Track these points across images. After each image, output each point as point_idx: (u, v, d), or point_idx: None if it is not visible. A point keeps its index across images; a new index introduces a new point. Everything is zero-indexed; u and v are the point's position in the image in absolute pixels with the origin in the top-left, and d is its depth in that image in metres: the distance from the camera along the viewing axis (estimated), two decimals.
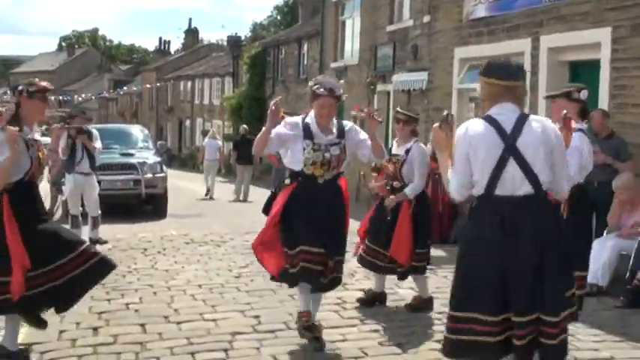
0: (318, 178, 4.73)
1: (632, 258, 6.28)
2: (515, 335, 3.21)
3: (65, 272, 4.27)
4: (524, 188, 3.26)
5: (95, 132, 9.36)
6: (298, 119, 4.86)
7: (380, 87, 15.11)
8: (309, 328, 4.71)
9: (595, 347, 4.92)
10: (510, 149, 3.27)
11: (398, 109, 6.14)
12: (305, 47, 22.37)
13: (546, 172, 3.30)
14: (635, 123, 7.50)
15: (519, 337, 3.20)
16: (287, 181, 4.86)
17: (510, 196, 3.26)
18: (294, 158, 4.77)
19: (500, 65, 3.42)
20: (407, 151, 5.75)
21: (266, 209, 4.92)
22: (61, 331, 5.05)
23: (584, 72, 8.70)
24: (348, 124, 4.98)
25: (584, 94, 4.92)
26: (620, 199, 6.74)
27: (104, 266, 4.51)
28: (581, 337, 5.07)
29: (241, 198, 16.47)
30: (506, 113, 3.34)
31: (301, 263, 4.53)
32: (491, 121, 3.32)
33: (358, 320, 5.50)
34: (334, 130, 4.82)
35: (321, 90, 4.69)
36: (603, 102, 7.90)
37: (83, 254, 4.36)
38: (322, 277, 4.65)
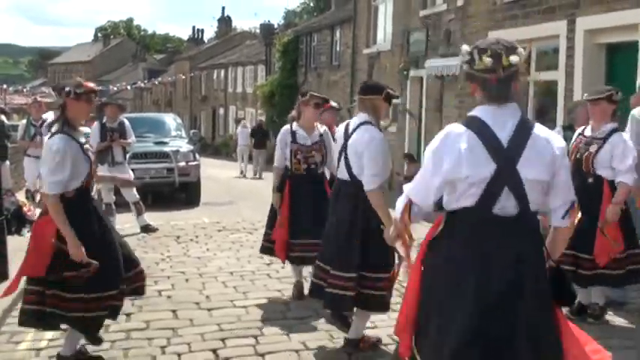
0: None
1: None
2: None
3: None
4: None
5: (127, 124, 9.47)
6: None
7: (412, 73, 14.96)
8: None
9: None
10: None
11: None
12: (337, 34, 22.22)
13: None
14: None
15: None
16: None
17: None
18: None
19: None
20: None
21: None
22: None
23: (621, 55, 8.47)
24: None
25: (620, 95, 5.13)
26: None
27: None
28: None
29: (257, 176, 20.13)
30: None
31: None
32: None
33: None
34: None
35: None
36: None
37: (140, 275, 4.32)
38: None
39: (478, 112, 2.71)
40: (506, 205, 2.63)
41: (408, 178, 5.94)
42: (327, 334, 4.83)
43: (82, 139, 4.09)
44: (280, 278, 6.48)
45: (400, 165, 13.94)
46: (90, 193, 4.15)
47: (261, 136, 21.36)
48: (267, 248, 5.92)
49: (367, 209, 4.24)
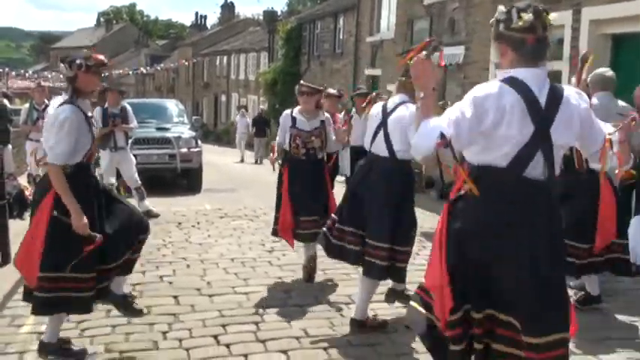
0: None
1: None
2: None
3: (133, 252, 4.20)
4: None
5: (129, 109, 9.47)
6: None
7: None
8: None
9: (630, 326, 4.84)
10: None
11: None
12: (341, 21, 22.15)
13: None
14: None
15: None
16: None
17: None
18: None
19: None
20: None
21: None
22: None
23: (627, 45, 8.44)
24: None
25: None
26: None
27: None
28: (618, 316, 5.00)
29: (258, 162, 21.62)
30: None
31: None
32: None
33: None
34: None
35: None
36: None
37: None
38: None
39: (517, 73, 2.67)
40: (536, 168, 2.66)
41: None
42: (328, 322, 4.84)
43: (90, 112, 4.08)
44: (281, 266, 6.49)
45: None
46: (91, 169, 4.11)
47: (262, 125, 22.58)
48: (276, 231, 6.05)
49: (402, 184, 4.57)
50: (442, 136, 2.59)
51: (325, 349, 4.31)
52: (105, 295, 4.17)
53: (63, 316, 4.15)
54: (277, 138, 5.96)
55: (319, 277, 6.00)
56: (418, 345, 4.29)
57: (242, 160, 22.24)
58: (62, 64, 3.95)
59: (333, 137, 5.88)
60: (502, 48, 2.71)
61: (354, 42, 19.76)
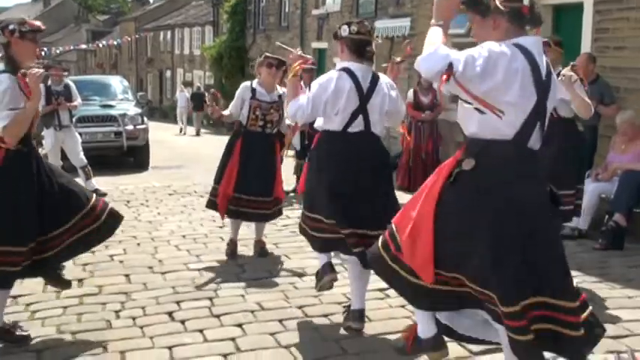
0: None
1: (610, 201, 6.36)
2: None
3: (74, 232, 3.99)
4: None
5: (72, 85, 9.28)
6: None
7: None
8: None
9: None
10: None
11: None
12: None
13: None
14: (615, 67, 7.48)
15: None
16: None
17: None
18: None
19: None
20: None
21: None
22: (46, 283, 5.04)
23: (567, 16, 8.62)
24: None
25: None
26: (621, 132, 6.72)
27: (113, 223, 4.22)
28: None
29: (197, 134, 23.64)
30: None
31: None
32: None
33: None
34: None
35: None
36: (586, 46, 7.85)
37: (93, 211, 4.06)
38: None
39: (525, 43, 2.67)
40: (536, 138, 2.70)
41: None
42: (282, 294, 4.88)
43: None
44: None
45: None
46: (31, 140, 3.96)
47: (200, 100, 23.18)
48: (212, 202, 5.99)
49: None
50: (450, 67, 2.55)
51: (280, 321, 4.35)
52: (39, 272, 4.09)
53: (3, 298, 4.04)
54: (229, 108, 5.82)
55: (275, 250, 6.04)
56: (371, 312, 4.37)
57: (183, 133, 24.15)
58: None
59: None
60: (496, 21, 2.72)
61: (300, 15, 19.62)
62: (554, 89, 2.77)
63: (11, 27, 3.80)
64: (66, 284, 4.36)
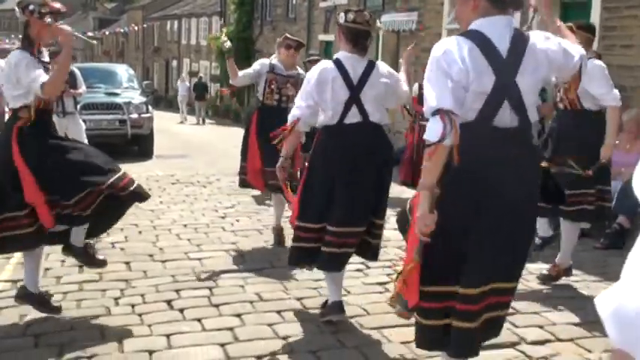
0: None
1: (613, 201, 6.32)
2: None
3: (91, 203, 3.95)
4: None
5: (78, 73, 9.27)
6: None
7: None
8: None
9: (574, 286, 5.02)
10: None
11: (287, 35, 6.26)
12: None
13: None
14: (622, 65, 7.44)
15: None
16: None
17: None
18: None
19: None
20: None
21: None
22: (47, 269, 5.07)
23: (574, 12, 8.58)
24: None
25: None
26: (627, 130, 6.69)
27: (138, 198, 4.18)
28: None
29: (200, 123, 24.53)
30: None
31: None
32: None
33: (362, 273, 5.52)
34: None
35: None
36: (593, 43, 7.81)
37: (116, 184, 3.99)
38: None
39: (478, 25, 2.71)
40: (504, 116, 2.70)
41: None
42: (282, 285, 4.88)
43: (45, 58, 4.01)
44: (235, 231, 6.49)
45: None
46: (50, 116, 4.06)
47: (202, 90, 25.80)
48: (242, 180, 6.03)
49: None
50: (438, 112, 2.56)
51: (279, 312, 4.36)
52: (63, 244, 4.21)
53: (35, 263, 4.14)
54: (239, 72, 5.78)
55: (273, 242, 6.04)
56: (370, 306, 4.38)
57: (181, 121, 24.88)
58: (17, 8, 3.90)
59: None
60: (476, 1, 2.71)
61: (308, 7, 19.57)
62: (531, 66, 2.72)
63: (31, 7, 3.85)
64: (101, 263, 4.45)
